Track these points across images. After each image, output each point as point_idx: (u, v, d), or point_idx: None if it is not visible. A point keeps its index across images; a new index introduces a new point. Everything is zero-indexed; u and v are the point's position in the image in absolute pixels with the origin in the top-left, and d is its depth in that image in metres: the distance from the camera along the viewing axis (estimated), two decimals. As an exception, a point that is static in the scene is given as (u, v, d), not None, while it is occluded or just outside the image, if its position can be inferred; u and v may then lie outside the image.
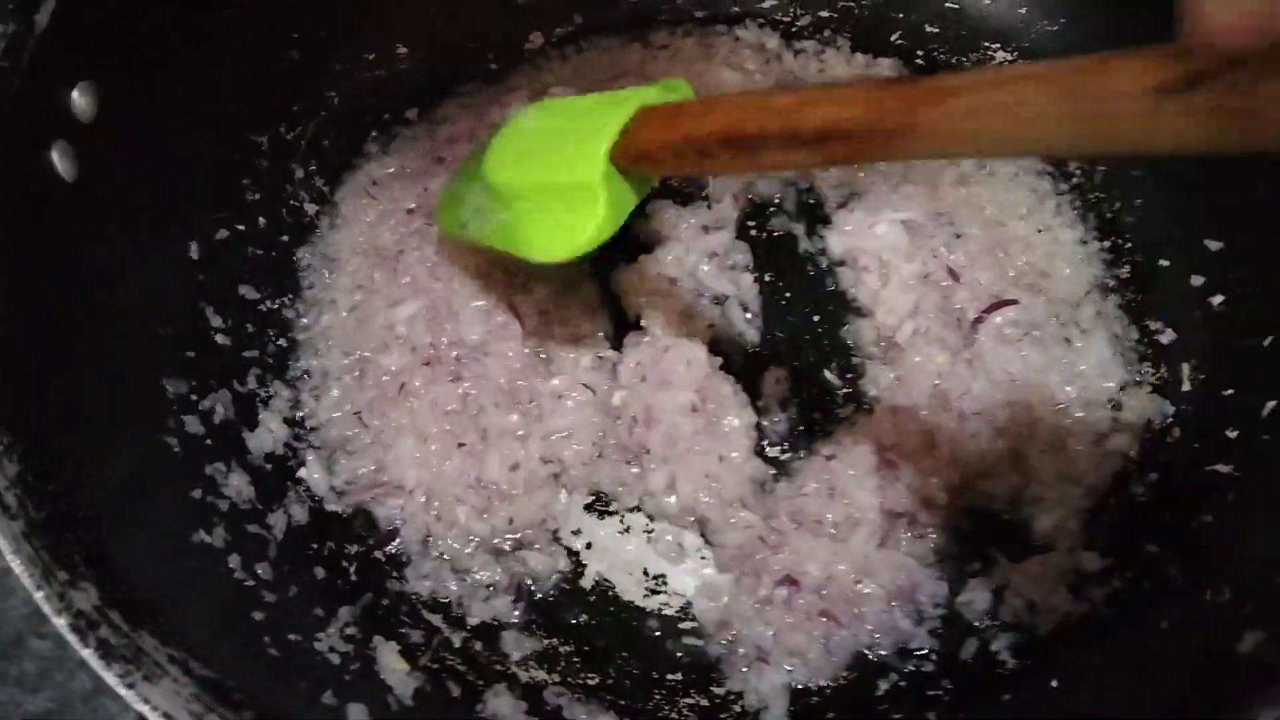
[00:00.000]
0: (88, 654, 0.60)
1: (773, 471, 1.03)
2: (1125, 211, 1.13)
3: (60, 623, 0.61)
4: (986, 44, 1.24)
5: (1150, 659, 0.85)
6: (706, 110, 0.81)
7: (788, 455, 1.04)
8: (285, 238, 1.10)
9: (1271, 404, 0.92)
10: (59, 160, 0.79)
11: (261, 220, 1.07)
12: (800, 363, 1.08)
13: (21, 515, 0.64)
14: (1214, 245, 1.03)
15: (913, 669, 0.93)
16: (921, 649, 0.94)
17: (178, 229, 0.97)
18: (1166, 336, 1.06)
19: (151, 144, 0.91)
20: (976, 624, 0.95)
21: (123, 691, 0.59)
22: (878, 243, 1.10)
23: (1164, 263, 1.08)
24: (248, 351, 1.02)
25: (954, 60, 1.24)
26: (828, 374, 1.07)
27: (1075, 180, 1.16)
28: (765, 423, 1.05)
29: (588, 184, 0.86)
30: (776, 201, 1.17)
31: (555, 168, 0.90)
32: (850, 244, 1.12)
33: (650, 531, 1.01)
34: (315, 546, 0.96)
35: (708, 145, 0.79)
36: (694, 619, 0.98)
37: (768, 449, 1.04)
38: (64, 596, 0.62)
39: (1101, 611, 0.93)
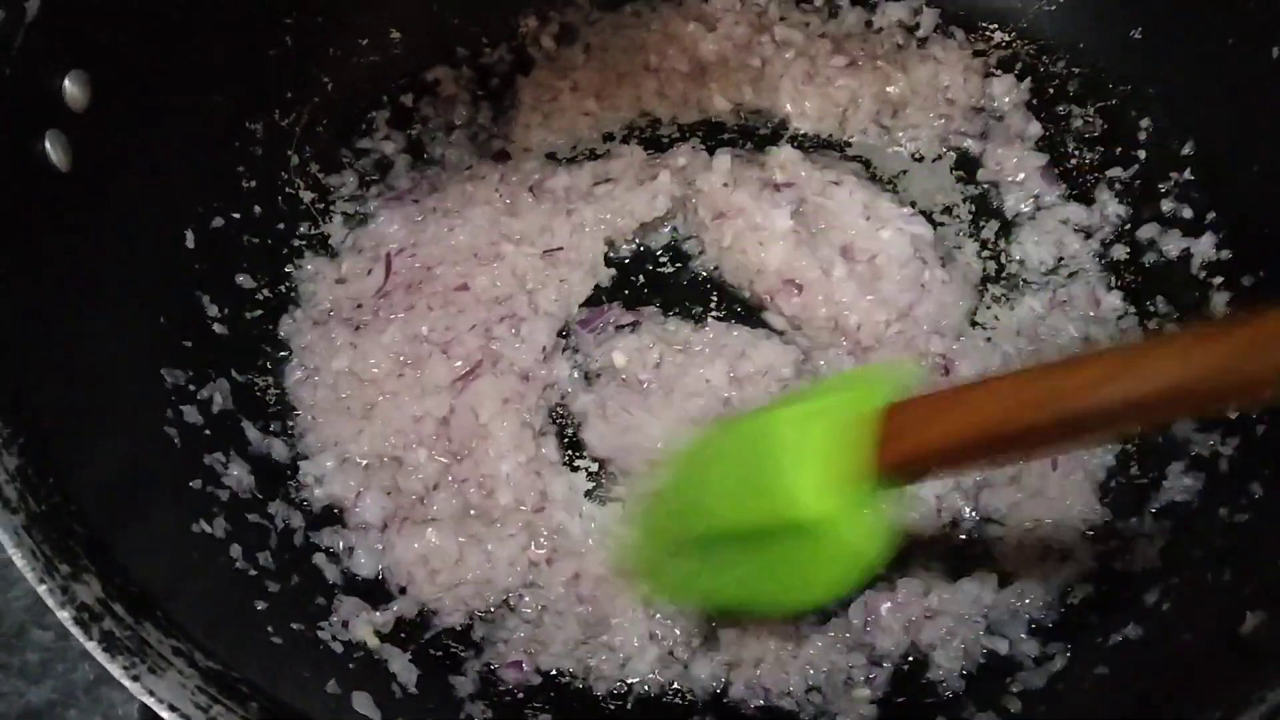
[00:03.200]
0: (92, 646, 0.60)
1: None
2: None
3: (64, 615, 0.60)
4: (984, 24, 1.23)
5: (1153, 641, 0.86)
6: (982, 403, 0.67)
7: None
8: (281, 225, 1.09)
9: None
10: (52, 149, 0.79)
11: (257, 208, 1.07)
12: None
13: (22, 509, 0.63)
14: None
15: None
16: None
17: (173, 218, 0.97)
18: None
19: (145, 132, 0.90)
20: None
21: (128, 684, 0.59)
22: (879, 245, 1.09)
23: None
24: (246, 341, 1.02)
25: (952, 38, 1.23)
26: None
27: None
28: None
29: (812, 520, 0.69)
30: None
31: (768, 505, 0.72)
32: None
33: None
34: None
35: (992, 442, 0.66)
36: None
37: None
38: (67, 590, 0.62)
39: (1102, 594, 0.93)
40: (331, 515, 0.98)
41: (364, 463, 1.00)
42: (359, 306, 1.07)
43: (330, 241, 1.12)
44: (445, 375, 1.03)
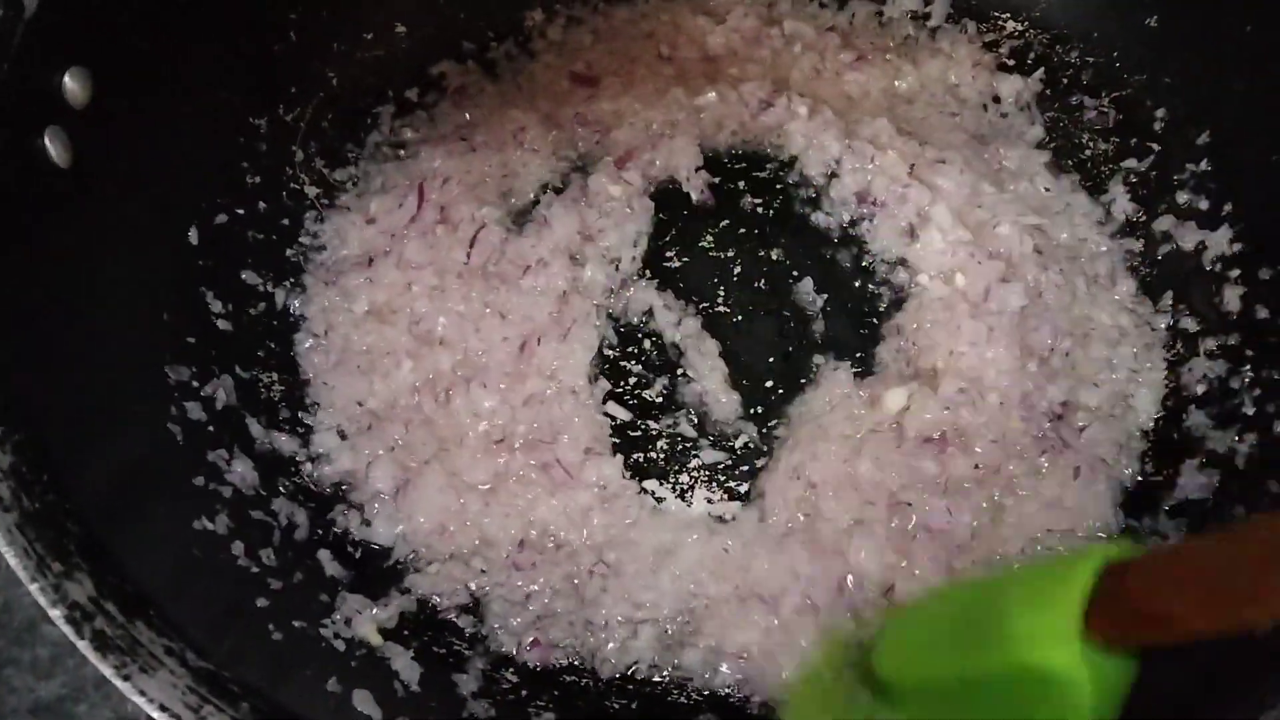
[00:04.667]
0: (83, 646, 0.60)
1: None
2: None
3: (55, 614, 0.61)
4: (996, 14, 1.21)
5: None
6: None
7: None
8: (286, 221, 1.09)
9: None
10: (52, 146, 0.78)
11: (262, 204, 1.06)
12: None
13: (15, 507, 0.63)
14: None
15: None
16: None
17: (176, 214, 0.96)
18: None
19: (147, 128, 0.89)
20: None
21: (118, 683, 0.59)
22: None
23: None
24: (250, 337, 1.01)
25: (962, 29, 1.21)
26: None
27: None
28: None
29: (1052, 669, 0.62)
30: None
31: (993, 651, 0.65)
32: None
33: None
34: (320, 532, 0.95)
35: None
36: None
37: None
38: (59, 588, 0.62)
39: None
40: (340, 496, 0.99)
41: (374, 423, 1.01)
42: (392, 236, 1.09)
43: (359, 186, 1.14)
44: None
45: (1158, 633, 0.58)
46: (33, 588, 0.61)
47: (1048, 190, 1.12)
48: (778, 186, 1.14)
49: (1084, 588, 0.59)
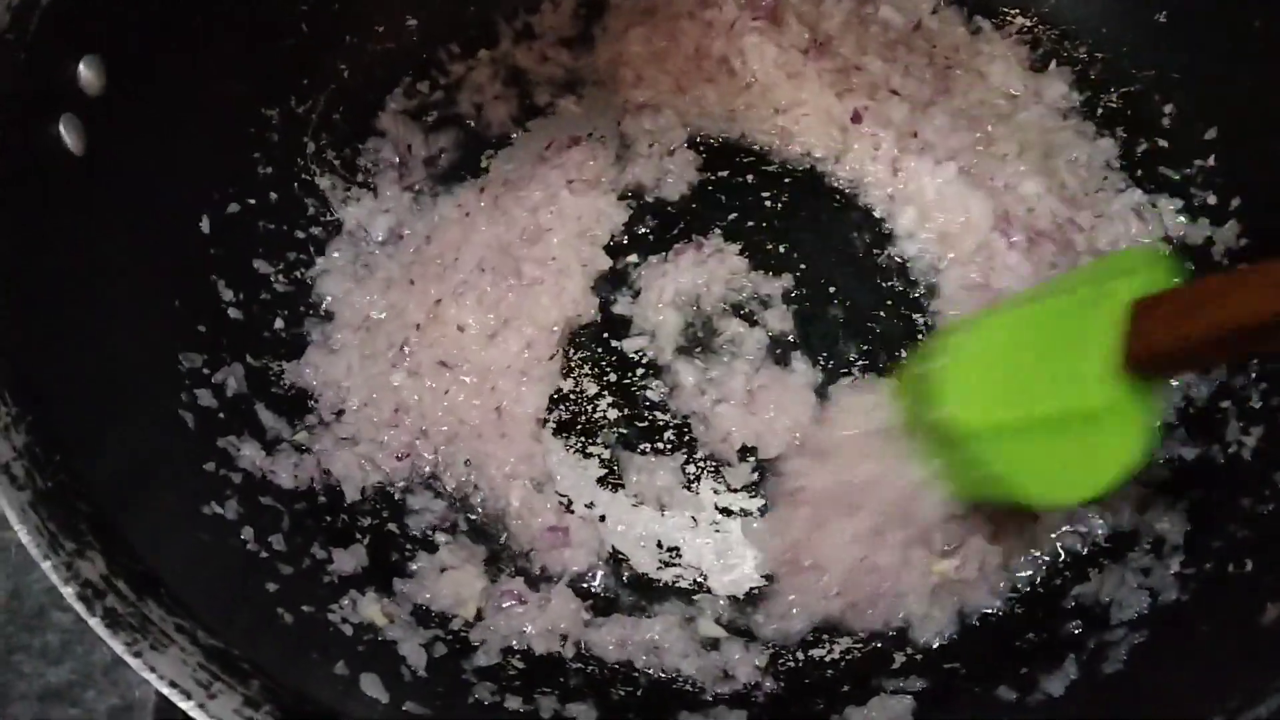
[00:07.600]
0: (94, 623, 0.60)
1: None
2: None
3: (68, 592, 0.61)
4: (1005, 9, 1.22)
5: (1172, 633, 0.85)
6: (1232, 293, 0.69)
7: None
8: (297, 211, 1.09)
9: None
10: (67, 134, 0.79)
11: (273, 194, 1.07)
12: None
13: (29, 486, 0.64)
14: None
15: (929, 645, 0.93)
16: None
17: (188, 203, 0.97)
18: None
19: (160, 117, 0.90)
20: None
21: (129, 660, 0.60)
22: None
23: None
24: (261, 325, 1.02)
25: (972, 23, 1.21)
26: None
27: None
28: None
29: (1100, 410, 0.73)
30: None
31: (1047, 397, 0.76)
32: None
33: (664, 506, 1.01)
34: (329, 518, 0.96)
35: (1243, 334, 0.67)
36: (709, 591, 0.98)
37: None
38: (71, 566, 0.62)
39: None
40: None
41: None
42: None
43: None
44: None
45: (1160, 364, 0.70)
46: (45, 565, 0.61)
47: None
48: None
49: (1108, 330, 0.70)
